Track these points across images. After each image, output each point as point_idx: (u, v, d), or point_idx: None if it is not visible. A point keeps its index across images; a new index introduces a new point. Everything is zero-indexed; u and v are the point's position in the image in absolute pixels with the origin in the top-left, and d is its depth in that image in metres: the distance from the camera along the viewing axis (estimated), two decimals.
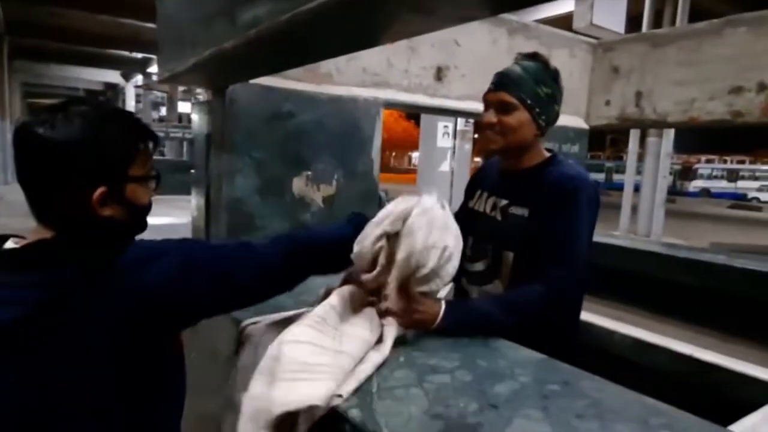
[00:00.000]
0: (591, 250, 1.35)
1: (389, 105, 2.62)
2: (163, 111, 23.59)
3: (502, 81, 1.37)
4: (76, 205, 0.78)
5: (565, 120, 3.27)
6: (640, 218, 9.67)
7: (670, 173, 13.93)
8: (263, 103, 2.15)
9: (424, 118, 7.76)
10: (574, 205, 1.29)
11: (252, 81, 2.12)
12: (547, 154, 1.48)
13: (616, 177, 22.31)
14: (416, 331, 1.17)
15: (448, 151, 7.86)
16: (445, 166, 7.83)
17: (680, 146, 18.82)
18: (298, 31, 1.13)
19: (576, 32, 4.20)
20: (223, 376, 1.21)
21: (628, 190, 10.25)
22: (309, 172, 2.35)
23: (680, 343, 2.20)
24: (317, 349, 0.89)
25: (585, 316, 2.40)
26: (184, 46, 1.73)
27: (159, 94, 22.46)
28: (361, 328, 1.02)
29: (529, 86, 1.34)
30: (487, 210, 1.52)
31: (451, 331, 1.18)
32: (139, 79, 20.31)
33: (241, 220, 2.16)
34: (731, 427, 1.29)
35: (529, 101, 1.34)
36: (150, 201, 0.92)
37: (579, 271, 1.30)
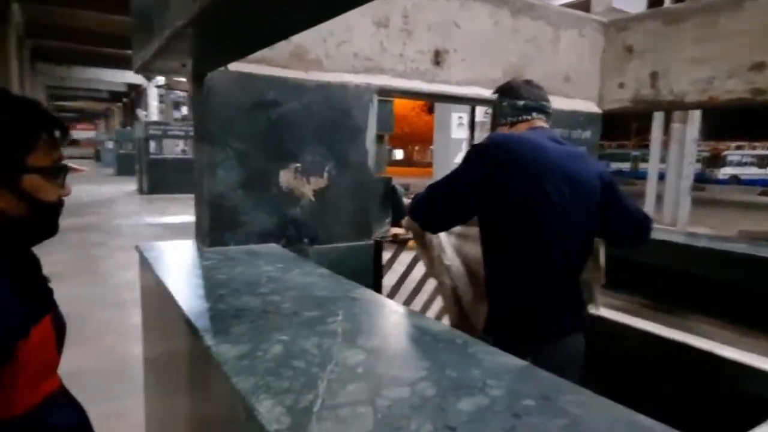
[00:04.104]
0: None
1: (384, 92, 2.48)
2: (185, 110, 23.84)
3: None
4: None
5: (574, 104, 3.09)
6: (665, 207, 9.32)
7: (698, 160, 13.43)
8: (243, 91, 2.04)
9: (438, 108, 7.60)
10: (465, 156, 1.56)
11: (232, 69, 2.01)
12: None
13: (643, 166, 21.70)
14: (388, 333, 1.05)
15: (463, 143, 7.68)
16: (461, 157, 7.64)
17: (708, 133, 18.18)
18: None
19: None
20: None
21: (652, 177, 9.89)
22: (298, 164, 2.23)
23: (700, 339, 2.04)
24: None
25: (602, 311, 2.24)
26: (150, 32, 1.62)
27: (180, 93, 22.68)
28: None
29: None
30: None
31: None
32: (160, 79, 20.51)
33: (224, 216, 2.05)
34: (756, 429, 1.14)
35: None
36: (59, 199, 0.83)
37: (430, 202, 1.59)
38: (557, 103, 3.03)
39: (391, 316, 1.32)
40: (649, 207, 9.61)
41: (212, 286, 1.53)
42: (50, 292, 0.91)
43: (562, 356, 1.49)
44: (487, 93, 2.92)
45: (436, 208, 1.58)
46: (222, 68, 1.94)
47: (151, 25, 1.65)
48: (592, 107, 3.21)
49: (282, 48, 2.15)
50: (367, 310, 1.33)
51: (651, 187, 9.88)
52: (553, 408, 0.83)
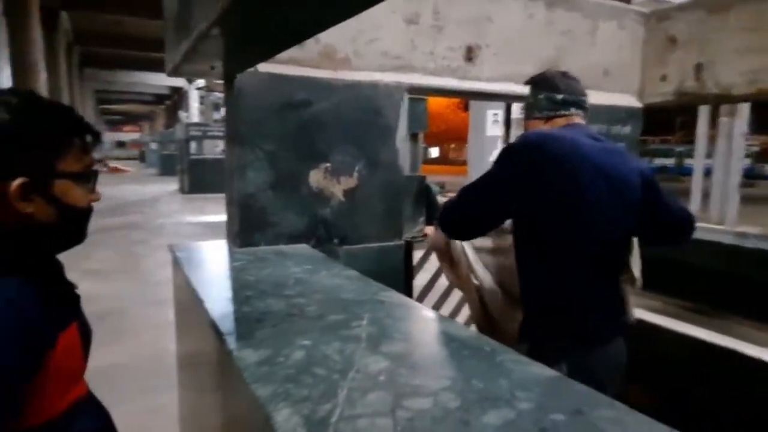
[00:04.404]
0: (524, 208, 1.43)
1: (414, 90, 2.44)
2: (224, 111, 24.37)
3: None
4: None
5: (613, 99, 2.97)
6: (711, 204, 8.93)
7: (747, 155, 12.78)
8: (273, 92, 2.04)
9: (473, 105, 7.49)
10: (497, 157, 1.46)
11: (262, 70, 2.02)
12: None
13: (688, 162, 20.89)
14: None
15: (498, 140, 7.54)
16: (496, 155, 7.50)
17: (758, 126, 17.29)
18: None
19: None
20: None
21: (697, 174, 9.49)
22: (327, 164, 2.22)
23: (750, 346, 1.92)
24: None
25: (639, 313, 2.15)
26: (179, 35, 1.64)
27: (219, 95, 23.21)
28: None
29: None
30: None
31: None
32: (200, 81, 21.04)
33: (254, 216, 2.06)
34: None
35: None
36: (89, 205, 0.82)
37: (463, 205, 1.51)
38: (595, 97, 2.92)
39: (418, 321, 1.29)
40: (694, 205, 9.24)
41: (239, 287, 1.53)
42: (77, 298, 0.91)
43: (600, 362, 1.42)
44: (521, 89, 2.85)
45: (469, 211, 1.51)
46: (251, 69, 1.95)
47: (180, 27, 1.67)
48: (632, 101, 3.08)
49: (311, 48, 2.14)
50: (393, 313, 1.30)
51: (696, 183, 9.49)
52: (585, 424, 0.78)
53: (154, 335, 4.12)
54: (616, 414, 0.81)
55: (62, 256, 0.85)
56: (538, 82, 1.61)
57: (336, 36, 2.20)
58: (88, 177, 0.81)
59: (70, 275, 0.89)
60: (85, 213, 0.82)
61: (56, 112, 0.78)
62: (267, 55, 1.65)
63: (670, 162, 25.07)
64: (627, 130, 3.01)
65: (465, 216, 1.53)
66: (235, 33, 1.27)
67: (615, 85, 3.00)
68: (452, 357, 1.04)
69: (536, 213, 1.42)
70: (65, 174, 0.76)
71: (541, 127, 1.56)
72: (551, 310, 1.45)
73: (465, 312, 2.97)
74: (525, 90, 1.67)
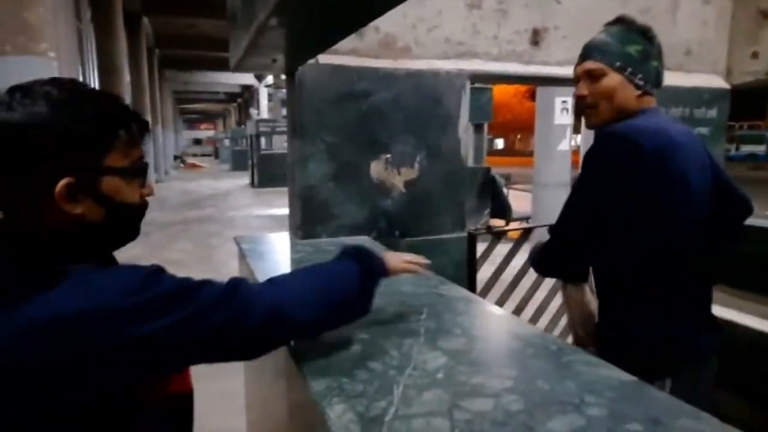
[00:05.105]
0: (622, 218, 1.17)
1: (477, 77, 2.36)
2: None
3: (586, 51, 1.27)
4: (36, 199, 0.65)
5: (696, 80, 2.74)
6: None
7: None
8: (334, 83, 2.04)
9: (540, 93, 7.20)
10: (584, 164, 1.20)
11: (322, 61, 2.02)
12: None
13: None
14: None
15: (567, 128, 7.22)
16: (564, 145, 7.19)
17: None
18: None
19: None
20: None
21: None
22: (388, 155, 2.19)
23: None
24: None
25: (727, 313, 1.97)
26: (241, 30, 1.66)
27: None
28: None
29: (615, 48, 1.22)
30: None
31: None
32: (269, 79, 21.67)
33: (315, 208, 2.07)
34: None
35: (617, 63, 1.22)
36: (142, 200, 0.76)
37: (568, 227, 1.24)
38: (676, 78, 2.71)
39: (479, 316, 1.23)
40: None
41: None
42: None
43: (704, 380, 1.26)
44: None
45: (569, 237, 1.23)
46: (312, 61, 1.95)
47: (241, 22, 1.69)
48: (718, 82, 2.82)
49: (371, 37, 2.12)
50: (453, 308, 1.25)
51: None
52: None
53: None
54: (701, 426, 0.73)
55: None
56: (653, 38, 1.24)
57: (396, 24, 2.16)
58: (137, 171, 0.74)
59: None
60: (138, 209, 0.75)
61: (101, 102, 0.71)
62: (326, 46, 1.64)
63: (760, 149, 23.11)
64: (713, 113, 2.77)
65: (566, 246, 1.26)
66: (293, 22, 1.27)
67: (698, 65, 2.76)
68: (515, 355, 0.98)
69: (642, 223, 1.17)
70: (113, 170, 0.70)
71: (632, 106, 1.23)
72: (656, 326, 1.22)
73: (530, 310, 2.86)
74: (608, 27, 1.26)
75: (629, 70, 1.21)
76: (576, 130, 7.33)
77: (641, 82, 1.22)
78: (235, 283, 0.76)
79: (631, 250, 1.18)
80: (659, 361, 1.19)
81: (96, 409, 0.63)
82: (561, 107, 6.99)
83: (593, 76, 1.23)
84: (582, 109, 1.29)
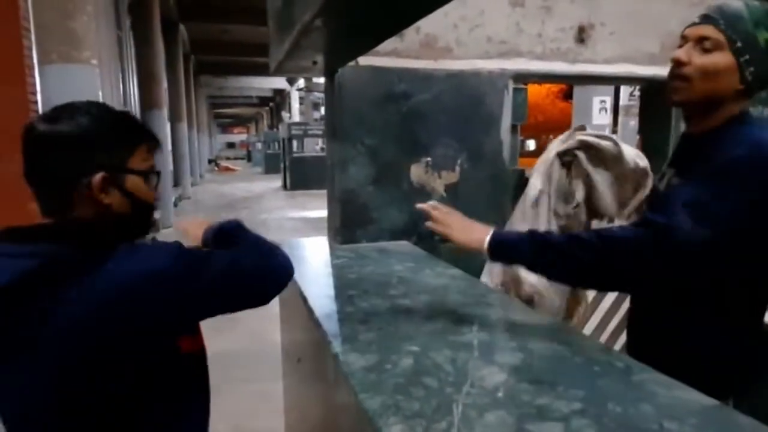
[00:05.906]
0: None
1: (520, 76, 2.28)
2: (323, 110, 25.18)
3: (711, 13, 1.05)
4: (77, 191, 0.80)
5: None
6: None
7: None
8: (374, 85, 2.00)
9: (577, 92, 7.03)
10: (732, 168, 0.97)
11: (363, 63, 1.98)
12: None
13: None
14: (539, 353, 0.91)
15: (605, 129, 7.03)
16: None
17: None
18: None
19: None
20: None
21: None
22: (428, 158, 2.14)
23: None
24: None
25: None
26: (283, 32, 1.64)
27: (318, 94, 24.02)
28: None
29: (746, 25, 1.01)
30: (661, 187, 1.18)
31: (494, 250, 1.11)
32: (301, 82, 21.90)
33: (355, 212, 2.04)
34: None
35: (739, 43, 1.01)
36: (155, 201, 0.92)
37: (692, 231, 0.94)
38: None
39: (533, 329, 1.17)
40: None
41: (342, 285, 1.50)
42: None
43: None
44: (641, 70, 2.57)
45: (699, 238, 0.96)
46: (352, 63, 1.92)
47: (283, 24, 1.67)
48: None
49: (412, 38, 2.08)
50: (505, 319, 1.20)
51: None
52: None
53: (264, 324, 4.27)
54: None
55: None
56: None
57: (437, 25, 2.11)
58: (152, 176, 0.90)
59: None
60: (152, 207, 0.92)
61: (127, 120, 0.89)
62: (368, 47, 1.60)
63: None
64: None
65: (696, 246, 1.00)
66: (338, 23, 1.23)
67: None
68: (580, 373, 0.91)
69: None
70: (135, 171, 0.86)
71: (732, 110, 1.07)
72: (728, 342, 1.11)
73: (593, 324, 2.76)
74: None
75: (746, 57, 1.01)
76: (613, 130, 7.11)
77: (750, 77, 1.02)
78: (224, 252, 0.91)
79: (740, 268, 1.04)
80: (724, 380, 1.09)
81: (144, 366, 0.78)
82: (599, 107, 6.81)
83: (704, 45, 1.04)
84: (674, 77, 1.09)
